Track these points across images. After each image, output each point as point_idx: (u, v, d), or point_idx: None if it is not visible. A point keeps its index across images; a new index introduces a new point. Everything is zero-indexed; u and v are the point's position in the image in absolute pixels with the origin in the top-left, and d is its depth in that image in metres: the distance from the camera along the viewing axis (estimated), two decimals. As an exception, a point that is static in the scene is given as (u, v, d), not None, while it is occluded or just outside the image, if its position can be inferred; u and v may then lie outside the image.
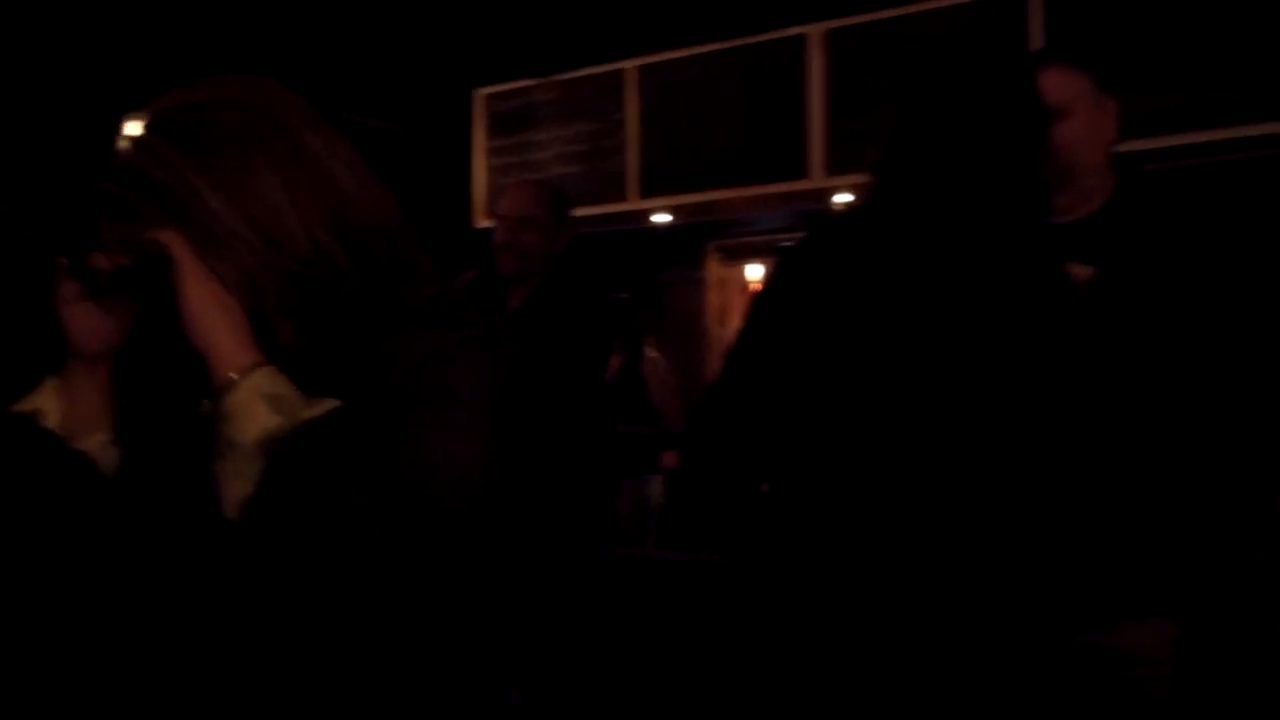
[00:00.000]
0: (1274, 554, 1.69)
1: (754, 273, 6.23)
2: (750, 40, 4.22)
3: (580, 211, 4.49)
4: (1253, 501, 1.70)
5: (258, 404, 0.88)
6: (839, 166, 4.03)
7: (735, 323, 6.03)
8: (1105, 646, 1.75)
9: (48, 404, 0.98)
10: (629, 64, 4.46)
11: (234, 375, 0.89)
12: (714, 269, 5.97)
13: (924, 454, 1.42)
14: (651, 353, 4.51)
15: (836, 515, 1.47)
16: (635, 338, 4.34)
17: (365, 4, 4.45)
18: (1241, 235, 1.78)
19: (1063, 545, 1.48)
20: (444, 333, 0.96)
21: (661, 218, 4.67)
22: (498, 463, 0.94)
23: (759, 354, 1.53)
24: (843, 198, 4.65)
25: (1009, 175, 1.47)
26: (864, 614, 1.43)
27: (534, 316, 2.69)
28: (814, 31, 4.09)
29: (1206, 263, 1.73)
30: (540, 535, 2.58)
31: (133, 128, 0.98)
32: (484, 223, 4.85)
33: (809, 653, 1.46)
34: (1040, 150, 1.52)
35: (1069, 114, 1.83)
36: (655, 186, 4.42)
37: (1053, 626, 1.50)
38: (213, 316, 0.91)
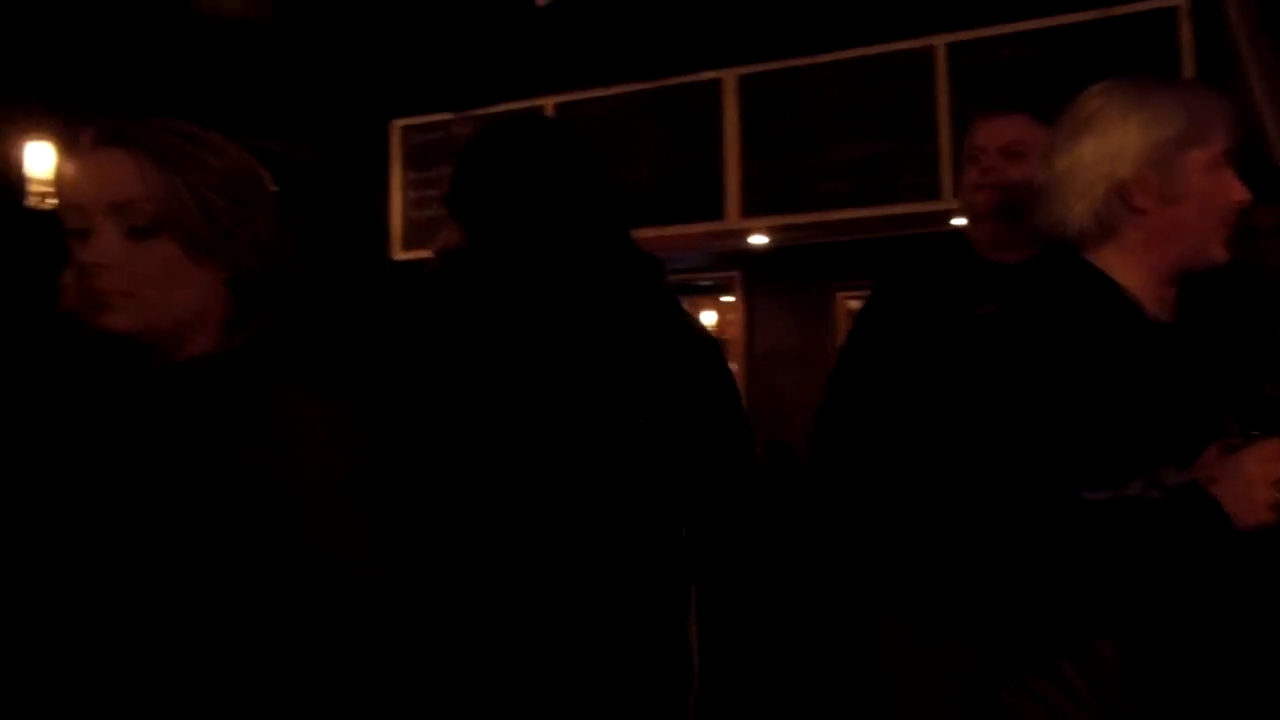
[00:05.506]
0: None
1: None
2: (666, 82, 4.32)
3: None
4: None
5: None
6: (752, 208, 4.15)
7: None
8: None
9: None
10: (546, 101, 4.52)
11: None
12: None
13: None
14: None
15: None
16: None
17: (285, 30, 4.42)
18: None
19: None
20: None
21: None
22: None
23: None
24: (757, 239, 4.79)
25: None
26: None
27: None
28: (728, 76, 4.21)
29: None
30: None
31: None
32: (401, 255, 4.84)
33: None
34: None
35: (1025, 156, 1.98)
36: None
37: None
38: None
